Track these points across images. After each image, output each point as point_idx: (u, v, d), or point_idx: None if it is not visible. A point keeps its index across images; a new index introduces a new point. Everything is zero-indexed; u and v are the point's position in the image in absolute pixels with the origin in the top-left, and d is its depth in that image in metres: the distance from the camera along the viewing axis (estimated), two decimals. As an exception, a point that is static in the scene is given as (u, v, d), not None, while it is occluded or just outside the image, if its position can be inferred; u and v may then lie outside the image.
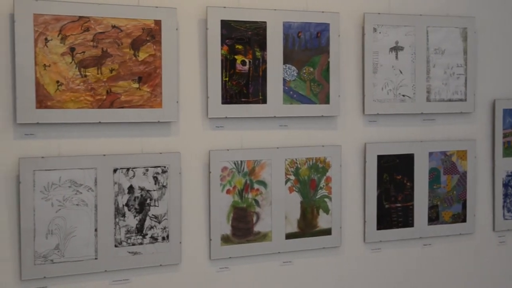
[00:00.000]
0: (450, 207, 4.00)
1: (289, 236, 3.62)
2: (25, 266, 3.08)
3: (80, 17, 3.11)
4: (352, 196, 3.82)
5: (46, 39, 3.06)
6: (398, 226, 3.88)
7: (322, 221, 3.69)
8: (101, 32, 3.16)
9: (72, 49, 3.11)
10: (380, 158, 3.81)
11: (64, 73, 3.10)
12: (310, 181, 3.65)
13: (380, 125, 3.86)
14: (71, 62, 3.11)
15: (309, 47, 3.60)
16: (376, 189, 3.82)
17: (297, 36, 3.56)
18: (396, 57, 3.81)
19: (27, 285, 3.12)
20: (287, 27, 3.54)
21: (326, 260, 3.77)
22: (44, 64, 3.06)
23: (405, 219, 3.89)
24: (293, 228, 3.63)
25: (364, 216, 3.83)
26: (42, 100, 3.06)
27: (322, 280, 3.77)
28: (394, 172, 3.85)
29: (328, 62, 3.64)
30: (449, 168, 3.98)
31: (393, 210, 3.86)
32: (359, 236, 3.85)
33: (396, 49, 3.81)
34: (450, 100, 3.94)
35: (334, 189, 3.71)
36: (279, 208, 3.59)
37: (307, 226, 3.66)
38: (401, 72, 3.81)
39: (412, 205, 3.90)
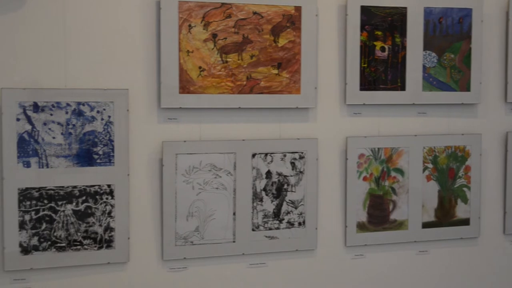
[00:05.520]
0: None
1: (425, 225, 3.56)
2: (166, 246, 3.17)
3: (223, 4, 3.16)
4: (491, 186, 3.72)
5: (189, 25, 3.12)
6: (541, 218, 3.76)
7: (460, 210, 3.62)
8: (242, 19, 3.19)
9: (214, 36, 3.16)
10: (523, 147, 3.69)
11: (206, 59, 3.15)
12: (449, 170, 3.58)
13: (524, 113, 3.74)
14: (213, 48, 3.16)
15: (451, 33, 3.51)
16: (517, 180, 3.71)
17: (438, 22, 3.48)
18: (542, 43, 3.67)
19: (168, 265, 3.22)
20: (428, 12, 3.47)
21: (463, 251, 3.69)
22: (188, 50, 3.12)
23: (548, 211, 3.76)
24: (430, 217, 3.57)
25: (504, 207, 3.73)
26: (185, 86, 3.13)
27: (459, 271, 3.69)
28: (537, 162, 3.72)
29: (470, 48, 3.54)
30: None
31: (535, 202, 3.74)
32: (499, 227, 3.74)
33: (543, 34, 3.67)
34: None
35: (473, 179, 3.62)
36: (416, 196, 3.54)
37: (445, 216, 3.59)
38: (547, 58, 3.67)
39: (557, 197, 3.76)
